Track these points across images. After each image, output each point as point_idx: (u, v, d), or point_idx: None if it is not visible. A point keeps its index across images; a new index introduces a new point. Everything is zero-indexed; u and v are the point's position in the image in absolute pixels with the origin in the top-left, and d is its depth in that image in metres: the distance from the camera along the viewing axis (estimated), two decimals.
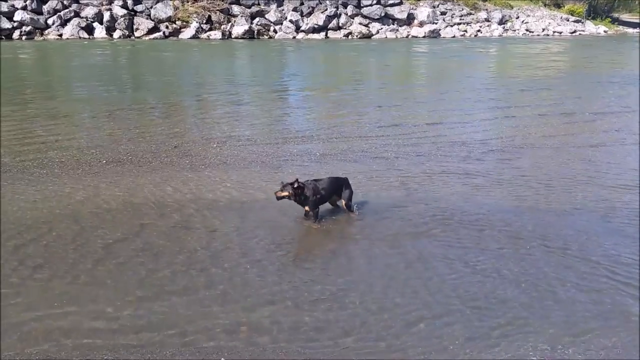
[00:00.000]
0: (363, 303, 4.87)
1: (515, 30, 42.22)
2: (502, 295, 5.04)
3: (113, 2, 32.35)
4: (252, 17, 35.00)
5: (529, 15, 44.79)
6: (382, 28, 37.26)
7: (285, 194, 6.23)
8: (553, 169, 8.82)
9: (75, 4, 31.91)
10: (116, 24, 31.91)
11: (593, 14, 51.16)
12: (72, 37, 30.68)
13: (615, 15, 56.27)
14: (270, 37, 34.75)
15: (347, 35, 36.14)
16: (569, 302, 4.95)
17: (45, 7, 31.18)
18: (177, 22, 33.28)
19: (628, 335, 4.50)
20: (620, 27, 51.73)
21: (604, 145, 10.30)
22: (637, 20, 56.33)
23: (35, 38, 30.19)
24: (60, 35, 30.78)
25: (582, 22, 47.07)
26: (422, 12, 38.78)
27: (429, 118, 12.39)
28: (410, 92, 17.01)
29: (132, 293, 4.95)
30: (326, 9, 36.25)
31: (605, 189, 7.88)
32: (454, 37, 38.29)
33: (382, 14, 37.63)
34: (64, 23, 31.29)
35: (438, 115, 12.69)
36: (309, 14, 36.34)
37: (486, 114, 13.07)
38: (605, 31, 47.50)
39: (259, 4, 35.52)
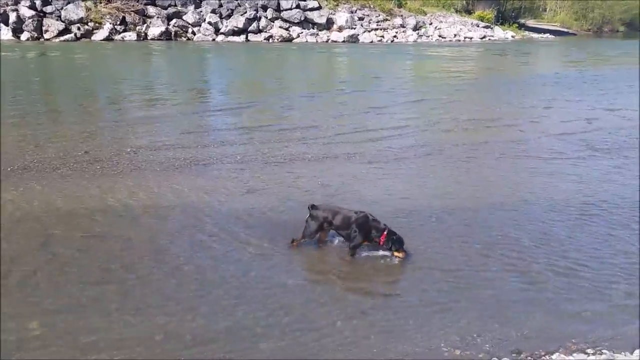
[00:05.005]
0: (283, 307, 4.90)
1: (429, 36, 43.61)
2: None
3: (19, 3, 30.71)
4: (169, 18, 34.30)
5: (441, 22, 46.47)
6: (302, 32, 37.51)
7: None
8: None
9: None
10: (24, 25, 30.30)
11: (501, 20, 53.84)
12: None
13: (522, 21, 59.50)
14: (189, 39, 34.19)
15: (267, 39, 36.11)
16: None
17: None
18: (89, 24, 32.05)
19: None
20: (527, 33, 54.68)
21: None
22: (542, 26, 59.88)
23: None
24: None
25: (492, 28, 49.38)
26: (341, 17, 39.36)
27: (349, 119, 12.61)
28: (334, 93, 17.19)
29: (40, 305, 4.73)
30: (245, 12, 36.06)
31: None
32: (371, 42, 39.09)
33: (302, 18, 37.86)
34: None
35: (356, 118, 12.93)
36: (229, 16, 36.02)
37: (406, 116, 13.45)
38: (512, 36, 50.04)
39: (175, 5, 34.84)
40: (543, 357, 4.35)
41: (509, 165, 9.49)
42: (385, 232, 5.70)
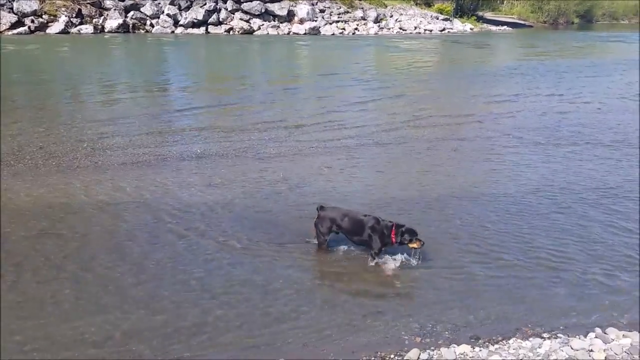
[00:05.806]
0: (245, 301, 4.90)
1: (389, 29, 43.81)
2: None
3: None
4: (126, 10, 33.61)
5: (402, 14, 46.71)
6: (263, 24, 37.25)
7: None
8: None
9: None
10: None
11: (460, 12, 54.42)
12: None
13: (480, 13, 60.29)
14: (147, 32, 33.58)
15: (228, 31, 35.74)
16: None
17: None
18: (43, 16, 31.12)
19: None
20: (485, 25, 55.43)
21: None
22: (499, 19, 60.88)
23: None
24: None
25: (451, 20, 49.91)
26: (302, 10, 39.23)
27: (311, 115, 12.60)
28: (295, 88, 17.14)
29: None
30: (205, 4, 35.59)
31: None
32: (333, 34, 39.09)
33: (263, 10, 37.59)
34: None
35: (319, 112, 12.94)
36: (188, 8, 35.50)
37: (376, 113, 13.52)
38: (471, 29, 50.65)
39: None
40: (500, 342, 4.47)
41: (483, 159, 9.67)
42: (393, 229, 5.52)
